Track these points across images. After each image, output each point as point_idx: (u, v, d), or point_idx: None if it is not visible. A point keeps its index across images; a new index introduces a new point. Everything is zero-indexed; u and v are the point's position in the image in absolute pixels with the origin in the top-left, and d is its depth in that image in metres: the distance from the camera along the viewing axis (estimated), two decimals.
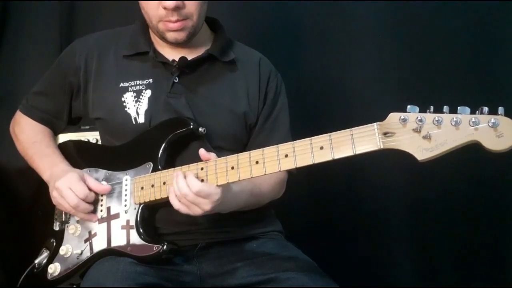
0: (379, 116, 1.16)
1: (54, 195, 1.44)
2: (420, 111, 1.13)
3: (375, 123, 1.16)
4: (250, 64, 1.61)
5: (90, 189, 1.44)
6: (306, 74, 2.18)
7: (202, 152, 1.33)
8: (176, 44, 1.51)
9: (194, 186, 1.26)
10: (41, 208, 1.57)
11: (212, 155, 1.33)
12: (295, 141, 1.24)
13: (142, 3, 1.48)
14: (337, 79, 2.18)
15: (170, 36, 1.47)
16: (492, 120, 1.05)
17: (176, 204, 1.31)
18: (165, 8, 1.41)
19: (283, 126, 1.61)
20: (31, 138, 1.60)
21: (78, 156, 1.57)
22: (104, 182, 1.47)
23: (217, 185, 1.29)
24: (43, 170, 1.52)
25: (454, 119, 1.08)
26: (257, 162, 1.27)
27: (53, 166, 1.50)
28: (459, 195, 2.12)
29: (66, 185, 1.41)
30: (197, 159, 1.35)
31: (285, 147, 1.24)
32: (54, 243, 1.50)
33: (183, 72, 1.51)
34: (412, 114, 1.13)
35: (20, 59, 2.14)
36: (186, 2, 1.42)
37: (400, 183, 2.14)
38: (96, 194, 1.46)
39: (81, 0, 2.18)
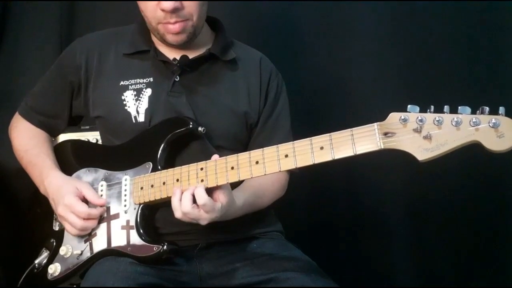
0: (380, 116, 1.16)
1: (61, 220, 1.45)
2: (421, 111, 1.12)
3: (375, 123, 1.15)
4: (251, 63, 1.60)
5: (88, 201, 1.43)
6: (306, 74, 2.17)
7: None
8: (177, 45, 1.51)
9: (201, 198, 1.27)
10: (41, 208, 1.56)
11: (215, 156, 1.33)
12: (295, 141, 1.23)
13: (140, 5, 1.47)
14: (337, 79, 2.18)
15: (170, 38, 1.46)
16: (493, 120, 1.05)
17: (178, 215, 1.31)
18: (163, 10, 1.39)
19: (284, 126, 1.61)
20: (24, 145, 1.59)
21: (77, 156, 1.57)
22: (103, 183, 1.47)
23: (221, 203, 1.30)
24: (37, 183, 1.52)
25: (455, 119, 1.08)
26: (257, 162, 1.26)
27: (44, 180, 1.48)
28: (459, 195, 2.12)
29: (68, 210, 1.40)
30: (197, 158, 1.35)
31: (285, 147, 1.24)
32: (54, 243, 1.50)
33: (184, 71, 1.51)
34: (413, 114, 1.12)
35: (20, 59, 2.13)
36: (185, 3, 1.40)
37: (400, 183, 2.14)
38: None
39: (81, 0, 2.18)
